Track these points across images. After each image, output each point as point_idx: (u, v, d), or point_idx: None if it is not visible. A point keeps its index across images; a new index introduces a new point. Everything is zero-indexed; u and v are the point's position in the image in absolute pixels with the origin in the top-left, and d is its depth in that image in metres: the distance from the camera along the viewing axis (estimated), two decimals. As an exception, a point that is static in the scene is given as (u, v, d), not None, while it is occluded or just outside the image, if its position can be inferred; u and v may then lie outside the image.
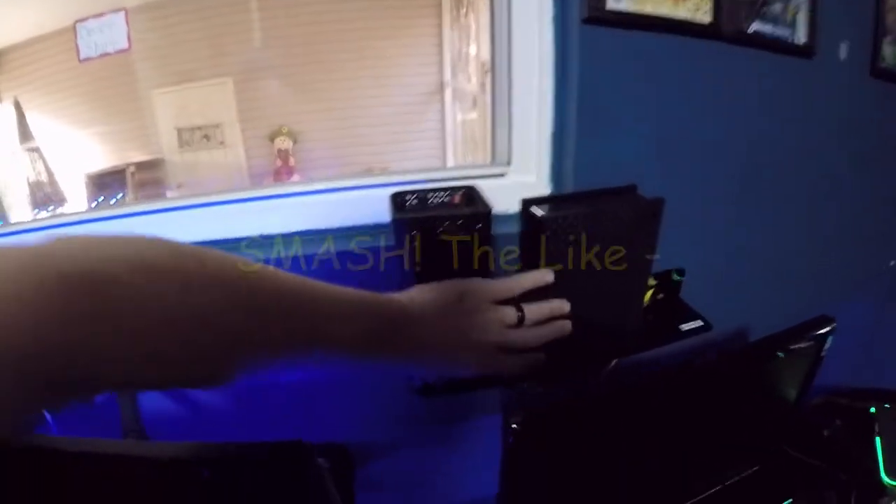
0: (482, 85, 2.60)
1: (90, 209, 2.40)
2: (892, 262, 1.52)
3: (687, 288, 1.08)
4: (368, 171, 3.02)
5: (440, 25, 3.16)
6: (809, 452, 1.19)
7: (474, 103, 2.83)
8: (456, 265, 0.77)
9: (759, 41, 1.03)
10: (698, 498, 1.05)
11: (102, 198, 2.90)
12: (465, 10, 2.98)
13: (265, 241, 0.93)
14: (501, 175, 0.94)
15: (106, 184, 3.03)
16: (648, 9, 0.86)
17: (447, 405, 1.01)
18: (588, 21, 0.82)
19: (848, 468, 1.15)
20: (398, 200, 0.81)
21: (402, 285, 0.82)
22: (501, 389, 1.02)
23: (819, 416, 1.30)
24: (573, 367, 0.96)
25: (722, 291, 1.14)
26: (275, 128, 3.15)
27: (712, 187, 1.08)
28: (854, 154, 1.30)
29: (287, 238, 0.92)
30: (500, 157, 0.97)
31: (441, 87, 3.26)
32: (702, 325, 1.05)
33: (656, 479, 1.01)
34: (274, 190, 0.98)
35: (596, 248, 0.83)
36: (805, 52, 1.10)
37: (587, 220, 0.79)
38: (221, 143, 3.15)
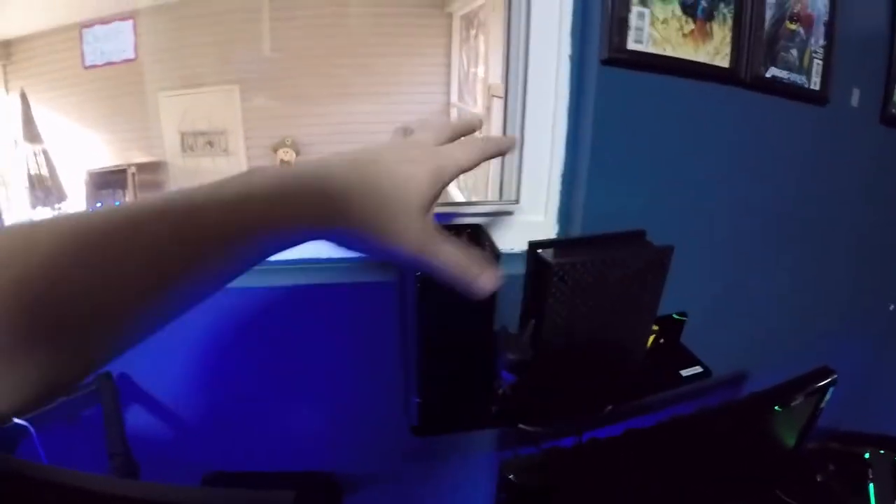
0: (487, 109, 2.59)
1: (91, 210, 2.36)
2: (891, 307, 1.51)
3: (687, 331, 1.06)
4: None
5: (449, 46, 3.14)
6: (801, 498, 1.17)
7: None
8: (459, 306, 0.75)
9: (776, 87, 1.01)
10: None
11: (102, 200, 2.86)
12: (474, 31, 2.96)
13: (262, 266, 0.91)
14: (509, 213, 0.92)
15: (107, 182, 3.00)
16: (669, 51, 0.85)
17: (439, 441, 0.99)
18: (607, 62, 0.80)
19: None
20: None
21: (405, 322, 0.80)
22: (496, 430, 1.00)
23: (813, 461, 1.29)
24: (570, 410, 0.94)
25: (722, 335, 1.13)
26: (278, 139, 3.12)
27: (717, 231, 1.07)
28: (860, 200, 1.29)
29: (286, 266, 0.90)
30: (508, 195, 0.95)
31: (447, 108, 3.25)
32: (701, 372, 1.04)
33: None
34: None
35: (603, 295, 0.81)
36: (819, 98, 1.09)
37: (596, 268, 0.78)
38: (224, 150, 3.11)
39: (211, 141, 3.07)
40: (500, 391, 0.84)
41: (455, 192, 3.24)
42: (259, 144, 3.10)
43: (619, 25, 0.79)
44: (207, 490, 0.65)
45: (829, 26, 1.06)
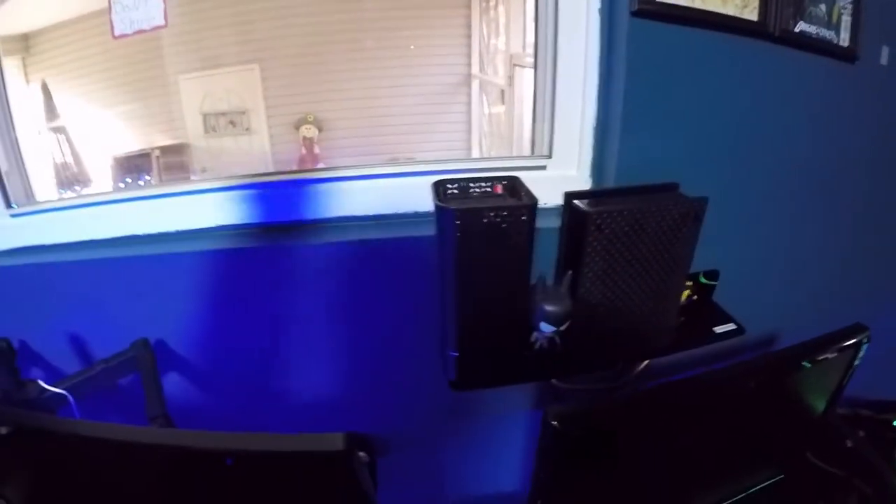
0: (509, 78, 2.59)
1: (115, 190, 2.39)
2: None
3: (720, 289, 1.06)
4: (397, 160, 3.01)
5: (469, 17, 3.13)
6: (832, 462, 1.17)
7: (501, 96, 2.81)
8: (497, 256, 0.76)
9: (804, 42, 1.01)
10: None
11: (129, 179, 2.90)
12: (495, 2, 2.96)
13: (298, 225, 0.92)
14: (542, 168, 0.93)
15: (132, 167, 3.07)
16: (698, 3, 0.85)
17: (477, 398, 1.00)
18: (637, 14, 0.81)
19: (870, 480, 1.14)
20: (440, 189, 0.80)
21: (443, 273, 0.81)
22: (533, 385, 1.01)
23: (842, 427, 1.29)
24: (608, 363, 0.95)
25: (756, 294, 1.13)
26: (300, 115, 3.13)
27: (750, 188, 1.06)
28: (891, 159, 1.28)
29: (324, 223, 0.91)
30: (540, 150, 0.95)
31: (468, 79, 3.24)
32: (735, 329, 1.04)
33: (685, 484, 0.99)
34: (304, 175, 0.97)
35: (639, 246, 0.81)
36: (848, 55, 1.09)
37: (632, 218, 0.78)
38: (247, 129, 3.14)
39: (233, 121, 3.10)
40: (537, 345, 0.85)
41: (474, 150, 3.21)
42: (281, 122, 3.12)
43: (650, -25, 0.79)
44: (254, 435, 0.66)
45: (859, -20, 1.05)
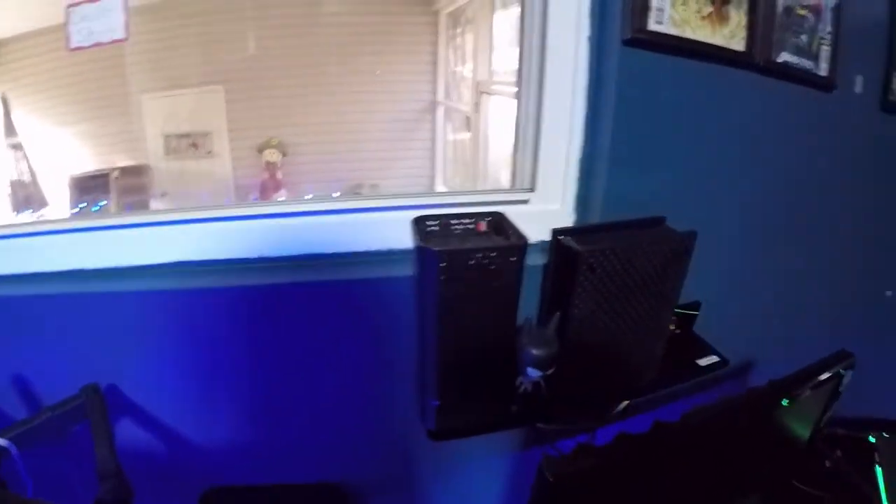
0: (475, 105, 2.58)
1: (72, 217, 2.25)
2: (888, 293, 1.53)
3: (700, 321, 1.05)
4: (361, 186, 2.95)
5: (436, 43, 3.12)
6: (813, 484, 1.17)
7: (467, 123, 2.80)
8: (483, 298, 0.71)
9: (787, 72, 1.00)
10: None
11: (85, 203, 2.74)
12: (461, 29, 2.95)
13: (261, 263, 0.85)
14: (524, 202, 0.89)
15: (89, 187, 2.91)
16: (688, 32, 0.82)
17: (450, 444, 0.95)
18: (629, 42, 0.78)
19: (849, 498, 1.14)
20: (420, 226, 0.75)
21: (423, 317, 0.76)
22: (515, 431, 0.96)
23: (822, 448, 1.30)
24: (593, 404, 0.91)
25: (736, 323, 1.12)
26: (264, 139, 3.04)
27: (732, 217, 1.05)
28: (862, 188, 1.30)
29: (288, 261, 0.85)
30: (521, 182, 0.91)
31: (434, 106, 3.23)
32: (718, 361, 1.02)
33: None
34: (266, 209, 0.90)
35: (629, 283, 0.78)
36: (827, 84, 1.09)
37: (624, 255, 0.75)
38: (209, 152, 3.03)
39: (195, 143, 2.98)
40: (521, 389, 0.81)
41: (438, 177, 3.17)
42: (244, 146, 3.02)
43: (641, 5, 0.76)
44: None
45: (836, 12, 1.05)
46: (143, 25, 2.44)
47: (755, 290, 1.16)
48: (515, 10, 2.25)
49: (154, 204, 2.88)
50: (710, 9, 0.84)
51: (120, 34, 0.94)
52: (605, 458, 0.77)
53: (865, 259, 1.42)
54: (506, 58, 2.41)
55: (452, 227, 0.77)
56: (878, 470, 1.20)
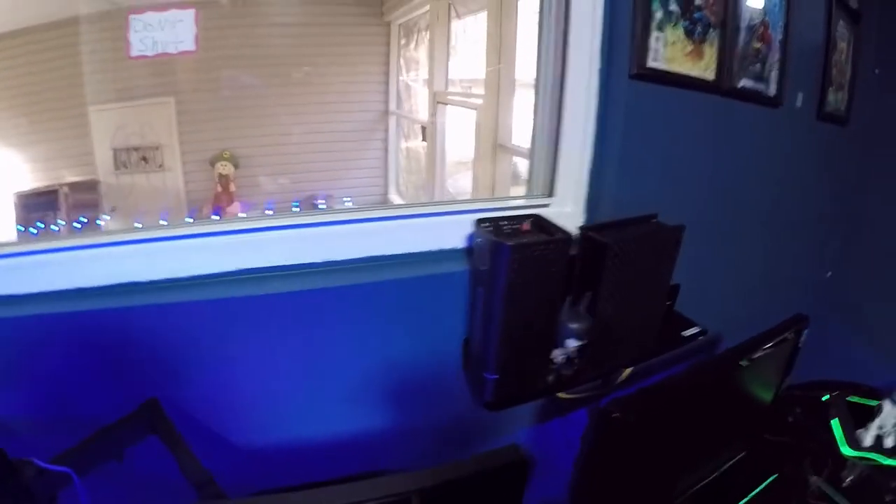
0: (433, 115, 2.64)
1: (20, 241, 2.08)
2: (828, 274, 1.81)
3: (680, 299, 1.24)
4: (315, 196, 2.96)
5: (388, 54, 3.13)
6: (782, 434, 1.38)
7: (422, 132, 2.86)
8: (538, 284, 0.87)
9: (745, 94, 1.23)
10: (707, 481, 1.21)
11: (41, 223, 2.53)
12: (413, 43, 2.99)
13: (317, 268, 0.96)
14: (546, 206, 1.07)
15: (38, 205, 2.71)
16: (675, 67, 1.03)
17: (484, 420, 1.05)
18: (634, 77, 0.97)
19: (814, 442, 1.35)
20: (482, 226, 0.90)
21: (486, 304, 0.91)
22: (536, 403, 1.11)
23: (782, 405, 1.52)
24: (612, 370, 1.10)
25: (708, 301, 1.32)
26: (216, 152, 2.95)
27: (704, 214, 1.26)
28: (806, 186, 1.56)
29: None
30: (538, 190, 1.09)
31: (386, 116, 3.24)
32: (699, 331, 1.22)
33: (693, 463, 1.14)
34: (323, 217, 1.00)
35: (639, 267, 0.97)
36: (775, 102, 1.33)
37: (638, 243, 0.94)
38: (160, 166, 2.87)
39: (146, 156, 2.83)
40: (558, 361, 0.98)
41: (391, 184, 3.06)
42: (196, 159, 2.89)
43: (642, 46, 0.96)
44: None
45: (784, 43, 1.29)
46: (90, 34, 2.40)
47: (721, 273, 1.38)
48: (471, 21, 2.32)
49: (104, 220, 2.73)
50: (691, 47, 1.06)
51: (189, 45, 0.97)
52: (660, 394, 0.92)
53: (809, 245, 1.69)
54: (462, 68, 2.47)
55: (503, 227, 0.93)
56: (835, 422, 1.41)
